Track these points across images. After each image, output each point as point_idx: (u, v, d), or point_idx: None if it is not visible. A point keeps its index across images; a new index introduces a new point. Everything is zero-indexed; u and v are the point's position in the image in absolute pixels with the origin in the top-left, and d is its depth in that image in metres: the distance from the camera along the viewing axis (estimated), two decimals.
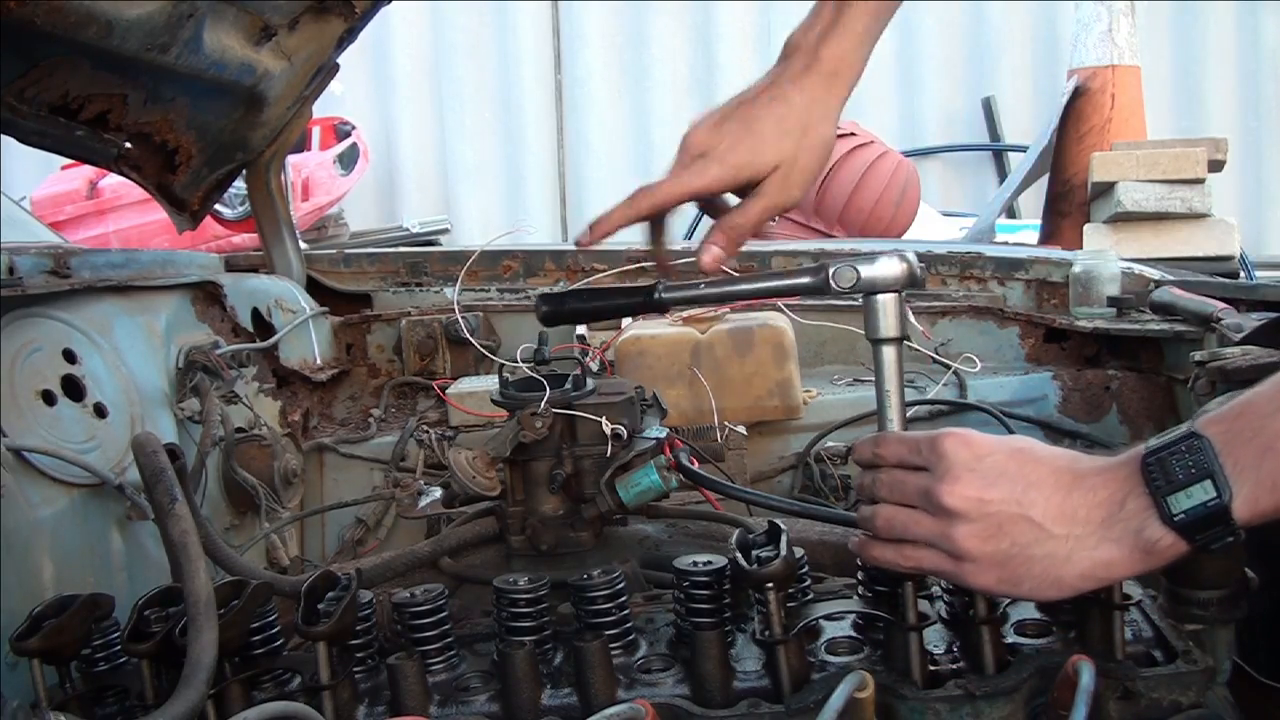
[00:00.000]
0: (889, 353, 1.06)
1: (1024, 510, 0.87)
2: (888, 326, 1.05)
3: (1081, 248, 3.96)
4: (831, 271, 1.05)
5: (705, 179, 1.15)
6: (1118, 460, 0.87)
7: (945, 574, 0.92)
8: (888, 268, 1.04)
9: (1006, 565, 0.88)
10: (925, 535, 0.92)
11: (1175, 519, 0.82)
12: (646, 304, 1.16)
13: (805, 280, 1.10)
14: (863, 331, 1.08)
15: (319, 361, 2.24)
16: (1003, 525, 0.88)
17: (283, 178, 2.35)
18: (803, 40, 1.17)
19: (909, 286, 1.05)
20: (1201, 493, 0.81)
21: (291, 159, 4.04)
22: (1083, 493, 0.86)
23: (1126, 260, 2.22)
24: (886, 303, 1.04)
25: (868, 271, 1.04)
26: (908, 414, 1.08)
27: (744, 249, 2.49)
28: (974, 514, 0.88)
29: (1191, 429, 0.84)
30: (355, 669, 1.04)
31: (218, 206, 4.57)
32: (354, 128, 6.35)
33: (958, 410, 2.03)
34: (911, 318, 2.16)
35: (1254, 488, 0.80)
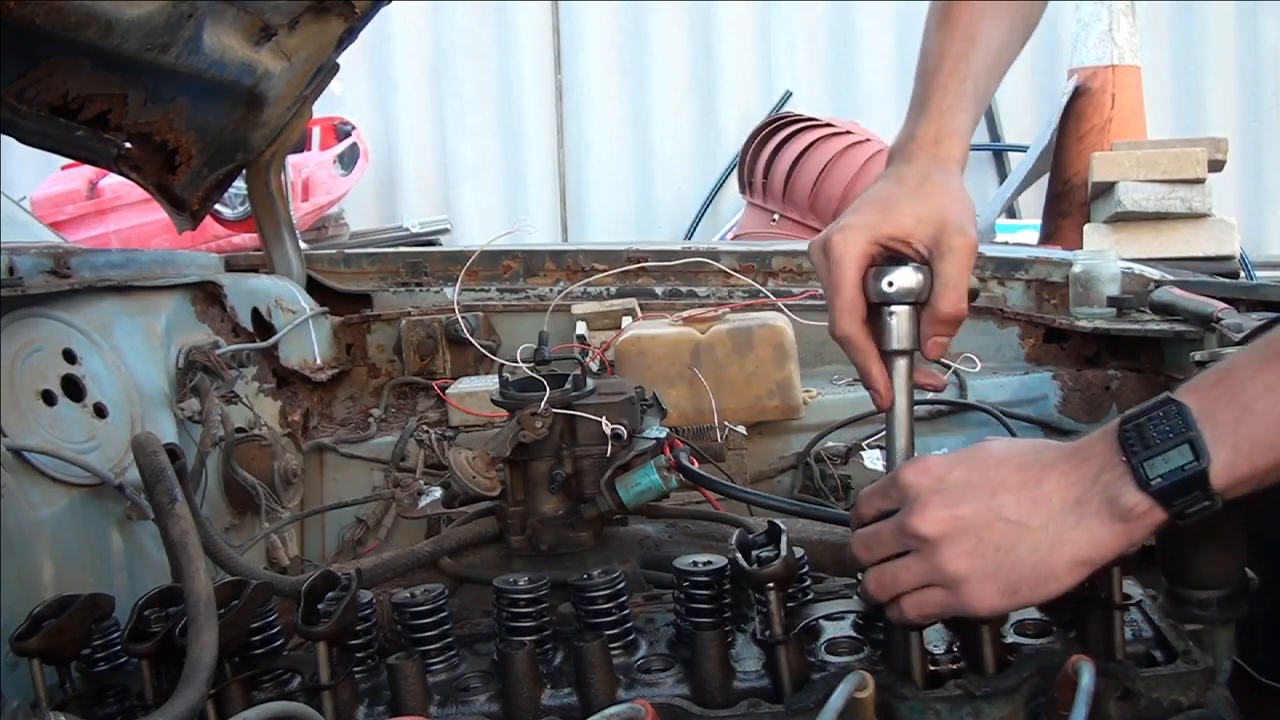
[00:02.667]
0: (900, 365, 1.05)
1: (997, 514, 0.86)
2: (901, 338, 1.05)
3: (1081, 248, 3.96)
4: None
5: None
6: (1092, 436, 0.87)
7: (950, 608, 0.90)
8: (905, 279, 1.03)
9: (999, 574, 0.86)
10: (916, 577, 0.90)
11: (1152, 484, 0.81)
12: None
13: None
14: None
15: (319, 361, 2.24)
16: (981, 536, 0.86)
17: (283, 178, 2.35)
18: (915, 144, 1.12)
19: (922, 298, 1.04)
20: (1179, 457, 0.80)
21: (291, 159, 4.04)
22: (1054, 479, 0.86)
23: (1126, 260, 2.22)
24: (901, 314, 1.04)
25: (888, 283, 1.03)
26: None
27: (744, 249, 2.50)
28: (951, 534, 0.87)
29: (1169, 396, 0.83)
30: (355, 669, 1.04)
31: (218, 206, 4.57)
32: (354, 128, 6.35)
33: (958, 410, 2.03)
34: None
35: (1231, 451, 0.80)
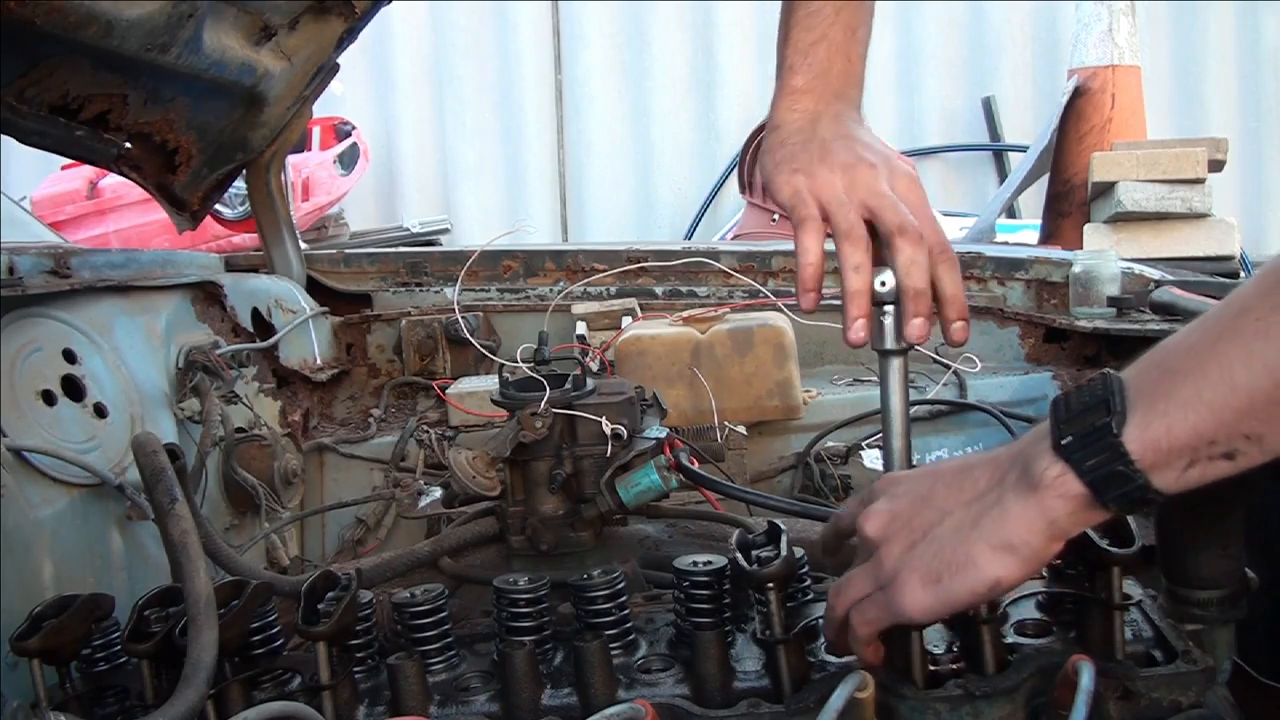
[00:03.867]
0: (895, 363, 1.06)
1: (927, 503, 0.85)
2: (895, 337, 1.05)
3: (1081, 248, 3.96)
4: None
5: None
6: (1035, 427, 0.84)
7: (884, 614, 0.86)
8: (894, 279, 1.03)
9: (923, 563, 0.83)
10: (865, 583, 0.88)
11: (1063, 443, 0.77)
12: None
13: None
14: None
15: (319, 361, 2.24)
16: (913, 525, 0.85)
17: (283, 178, 2.35)
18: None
19: None
20: (1092, 416, 0.76)
21: (291, 159, 4.03)
22: (984, 464, 0.84)
23: (1126, 260, 2.22)
24: (895, 314, 1.04)
25: (880, 283, 1.04)
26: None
27: (744, 249, 2.50)
28: (888, 529, 0.86)
29: (1103, 370, 0.80)
30: (355, 669, 1.04)
31: (218, 206, 4.56)
32: (354, 128, 6.36)
33: (958, 410, 2.03)
34: None
35: (1145, 412, 0.74)
